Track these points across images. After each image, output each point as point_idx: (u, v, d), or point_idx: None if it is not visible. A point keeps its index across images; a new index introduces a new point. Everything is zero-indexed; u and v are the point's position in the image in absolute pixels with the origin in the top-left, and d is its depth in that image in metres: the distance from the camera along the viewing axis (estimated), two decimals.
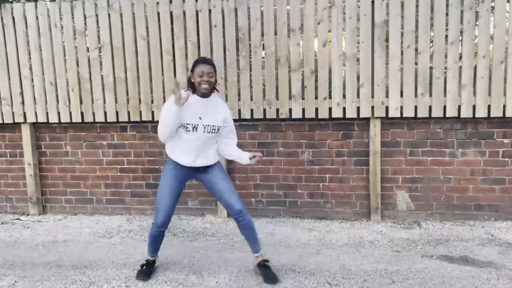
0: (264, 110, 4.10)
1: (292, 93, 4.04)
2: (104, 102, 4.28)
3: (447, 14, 3.78)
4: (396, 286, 2.73)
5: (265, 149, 4.25)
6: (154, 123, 4.33)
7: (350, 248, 3.42)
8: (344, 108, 4.00)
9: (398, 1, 3.80)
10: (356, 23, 3.91)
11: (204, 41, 4.06)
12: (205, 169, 2.88)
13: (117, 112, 4.28)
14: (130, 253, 3.44)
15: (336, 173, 4.21)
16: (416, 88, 3.91)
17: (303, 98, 4.04)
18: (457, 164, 4.04)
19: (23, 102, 4.41)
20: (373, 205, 4.11)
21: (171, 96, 2.63)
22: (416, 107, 3.91)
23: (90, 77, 4.27)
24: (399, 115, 3.94)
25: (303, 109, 4.04)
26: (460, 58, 3.83)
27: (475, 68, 3.81)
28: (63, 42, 4.26)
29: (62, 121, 4.37)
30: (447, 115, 3.88)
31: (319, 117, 4.05)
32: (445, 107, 3.87)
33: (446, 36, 3.80)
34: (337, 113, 4.00)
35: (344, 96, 3.99)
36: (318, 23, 3.93)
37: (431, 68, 3.87)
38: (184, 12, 4.08)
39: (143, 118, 4.25)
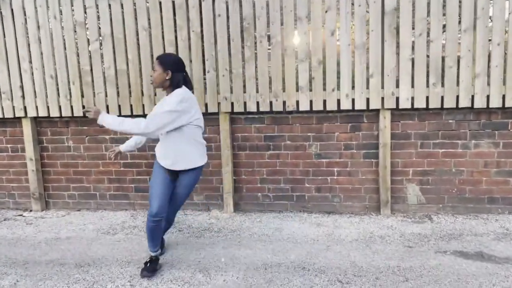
0: (271, 102, 3.98)
1: (299, 85, 3.91)
2: (106, 96, 4.18)
3: (460, 1, 3.63)
4: (410, 284, 2.63)
5: (271, 142, 4.14)
6: None
7: (360, 244, 3.32)
8: (353, 100, 3.87)
9: None
10: (366, 11, 3.77)
11: (208, 31, 3.94)
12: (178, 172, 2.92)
13: (119, 106, 4.17)
14: (135, 250, 3.35)
15: (345, 167, 4.10)
16: (427, 78, 3.77)
17: (310, 90, 3.92)
18: (470, 156, 3.92)
19: (23, 96, 4.31)
20: (383, 198, 4.00)
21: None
22: (427, 98, 3.78)
23: (91, 69, 4.16)
24: (409, 106, 3.81)
25: (311, 101, 3.92)
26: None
27: (489, 56, 3.66)
28: (63, 34, 4.14)
29: (63, 115, 4.28)
30: (460, 105, 3.74)
31: (327, 109, 3.93)
32: (457, 97, 3.74)
33: (459, 23, 3.65)
34: (345, 105, 3.87)
35: (353, 87, 3.86)
36: (326, 11, 3.79)
37: (443, 57, 3.73)
38: (186, 2, 3.95)
39: (146, 112, 4.14)
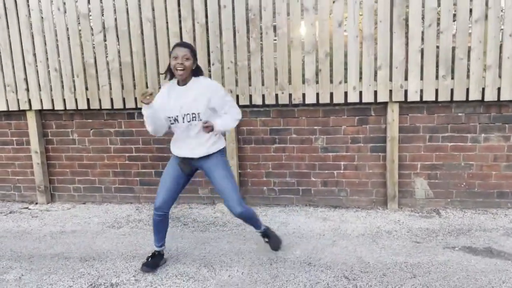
0: (276, 95, 3.92)
1: (306, 77, 3.85)
2: (110, 88, 4.14)
3: None
4: (417, 280, 2.59)
5: (277, 136, 4.09)
6: None
7: (367, 239, 3.28)
8: (360, 92, 3.80)
9: None
10: (374, 1, 3.68)
11: (213, 22, 3.88)
12: (203, 159, 2.74)
13: (123, 99, 4.14)
14: (140, 244, 3.34)
15: (352, 160, 4.05)
16: (437, 70, 3.69)
17: (317, 82, 3.85)
18: (479, 149, 3.85)
19: (27, 89, 4.29)
20: (390, 193, 3.94)
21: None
22: (437, 91, 3.70)
23: (95, 62, 4.12)
24: (418, 99, 3.74)
25: (317, 94, 3.86)
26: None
27: (500, 47, 3.57)
28: (67, 26, 4.10)
29: (67, 108, 4.25)
30: (470, 98, 3.66)
31: (334, 102, 3.86)
32: (467, 90, 3.66)
33: (470, 13, 3.56)
34: (353, 98, 3.81)
35: (360, 79, 3.79)
36: (333, 2, 3.71)
37: (453, 48, 3.64)
38: None
39: None
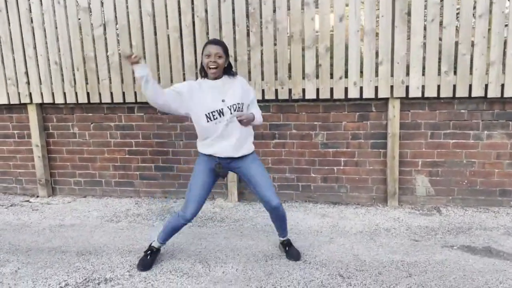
0: (276, 90, 3.88)
1: (306, 72, 3.80)
2: (110, 82, 4.13)
3: None
4: (413, 280, 2.55)
5: (277, 131, 4.06)
6: None
7: (364, 237, 3.25)
8: (361, 88, 3.75)
9: None
10: None
11: (212, 16, 3.84)
12: (242, 158, 2.67)
13: (123, 93, 4.13)
14: (137, 239, 3.34)
15: (352, 157, 4.01)
16: (439, 65, 3.62)
17: (317, 78, 3.81)
18: (482, 147, 3.79)
19: (28, 82, 4.29)
20: (390, 190, 3.90)
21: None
22: (439, 87, 3.64)
23: (95, 56, 4.11)
24: (420, 95, 3.68)
25: (317, 89, 3.82)
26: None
27: (505, 43, 3.49)
28: (67, 19, 4.08)
29: (68, 101, 4.25)
30: (473, 95, 3.60)
31: (334, 97, 3.82)
32: (470, 86, 3.59)
33: (474, 8, 3.48)
34: (353, 93, 3.76)
35: (361, 75, 3.73)
36: None
37: (456, 44, 3.57)
38: None
39: None
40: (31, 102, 4.34)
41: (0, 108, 4.55)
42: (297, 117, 4.01)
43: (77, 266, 2.87)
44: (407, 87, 3.68)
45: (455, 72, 3.61)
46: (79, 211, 4.07)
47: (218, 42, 2.57)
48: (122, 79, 4.11)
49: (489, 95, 3.57)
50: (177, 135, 4.24)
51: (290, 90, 3.87)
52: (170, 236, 2.83)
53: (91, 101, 4.22)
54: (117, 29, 4.03)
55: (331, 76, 3.79)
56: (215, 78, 2.59)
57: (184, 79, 3.95)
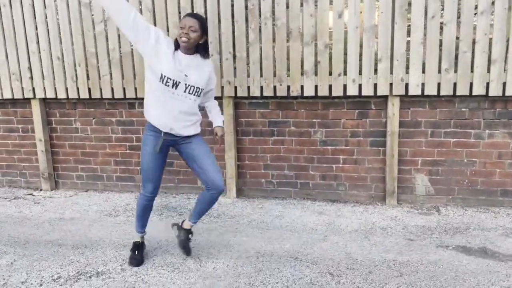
0: (275, 87, 3.87)
1: (304, 69, 3.78)
2: (111, 78, 4.17)
3: None
4: (403, 279, 2.53)
5: (275, 128, 4.05)
6: None
7: (359, 235, 3.23)
8: (360, 85, 3.72)
9: None
10: None
11: (211, 12, 3.84)
12: (185, 139, 2.67)
13: (124, 89, 4.16)
14: (133, 233, 3.29)
15: (351, 154, 3.98)
16: (440, 63, 3.57)
17: (316, 74, 3.78)
18: (483, 146, 3.72)
19: (31, 77, 4.35)
20: (389, 188, 3.87)
21: None
22: (439, 84, 3.59)
23: (96, 52, 4.14)
24: (419, 93, 3.63)
25: (316, 86, 3.79)
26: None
27: (507, 41, 3.42)
28: (69, 15, 4.12)
29: (70, 97, 4.30)
30: (474, 93, 3.54)
31: (333, 94, 3.79)
32: (471, 84, 3.53)
33: (476, 6, 3.42)
34: (352, 91, 3.73)
35: (360, 72, 3.70)
36: None
37: (457, 41, 3.51)
38: None
39: None
40: (34, 97, 4.41)
41: (5, 103, 4.62)
42: (296, 114, 4.00)
43: (72, 259, 2.91)
44: (407, 85, 3.63)
45: (455, 70, 3.55)
46: (80, 205, 4.13)
47: (196, 16, 2.53)
48: (123, 75, 4.13)
49: (490, 94, 3.51)
50: None
51: (288, 87, 3.85)
52: (144, 220, 2.82)
53: (93, 97, 4.26)
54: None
55: (330, 73, 3.76)
56: (186, 53, 2.55)
57: None
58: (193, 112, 2.64)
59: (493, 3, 3.38)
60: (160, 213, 3.82)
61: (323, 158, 4.03)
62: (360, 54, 3.68)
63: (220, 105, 3.94)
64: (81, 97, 4.28)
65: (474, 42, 3.48)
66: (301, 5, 3.70)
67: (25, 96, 4.41)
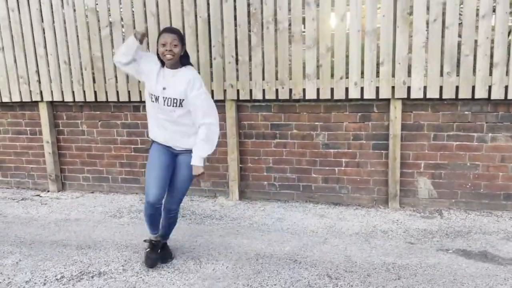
0: (277, 90, 3.90)
1: (306, 72, 3.81)
2: (116, 82, 4.23)
3: None
4: (401, 282, 2.54)
5: (278, 131, 4.08)
6: None
7: (360, 238, 3.24)
8: (362, 88, 3.73)
9: None
10: None
11: (214, 17, 3.88)
12: (177, 153, 2.74)
13: (129, 92, 4.22)
14: (136, 234, 3.42)
15: (353, 157, 3.99)
16: (442, 66, 3.57)
17: (318, 78, 3.81)
18: (486, 149, 3.71)
19: (39, 81, 4.44)
20: (391, 191, 3.87)
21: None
22: (441, 88, 3.58)
23: (102, 55, 4.22)
24: (421, 96, 3.63)
25: (318, 89, 3.82)
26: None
27: (509, 44, 3.41)
28: (75, 20, 4.21)
29: (76, 100, 4.38)
30: (476, 96, 3.53)
31: (335, 97, 3.81)
32: (473, 87, 3.52)
33: (477, 9, 3.41)
34: (354, 94, 3.74)
35: (362, 75, 3.71)
36: None
37: (459, 44, 3.51)
38: None
39: None
40: (42, 100, 4.49)
41: (13, 106, 4.72)
42: (298, 117, 4.02)
43: (75, 259, 2.97)
44: (409, 88, 3.64)
45: (458, 73, 3.54)
46: (85, 206, 4.20)
47: (174, 31, 2.62)
48: (128, 79, 4.20)
49: (492, 97, 3.50)
50: None
51: (290, 90, 3.88)
52: (153, 224, 2.79)
53: (98, 100, 4.33)
54: (123, 30, 4.12)
55: (332, 76, 3.78)
56: (172, 68, 2.62)
57: None
58: (182, 123, 2.65)
59: (494, 7, 3.38)
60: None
61: (326, 161, 4.05)
62: (362, 58, 3.69)
63: (223, 108, 4.01)
64: (87, 100, 4.36)
65: (476, 45, 3.47)
66: (303, 8, 3.73)
67: (33, 99, 4.50)
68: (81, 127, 4.59)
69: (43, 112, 4.54)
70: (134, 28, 4.07)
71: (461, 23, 3.47)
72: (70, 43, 4.26)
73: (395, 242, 3.15)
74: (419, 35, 3.55)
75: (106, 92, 4.28)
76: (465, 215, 3.68)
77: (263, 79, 3.91)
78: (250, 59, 3.92)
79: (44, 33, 4.31)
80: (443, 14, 3.50)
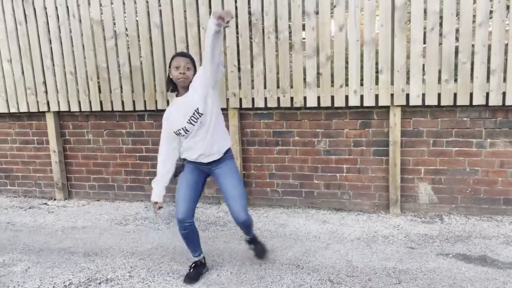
0: (278, 98, 3.98)
1: (307, 81, 3.89)
2: (121, 92, 4.33)
3: None
4: (402, 287, 2.59)
5: (280, 138, 4.15)
6: None
7: (361, 243, 3.29)
8: (361, 96, 3.80)
9: None
10: (376, 5, 3.67)
11: None
12: (215, 162, 2.70)
13: (133, 101, 4.32)
14: (142, 241, 3.49)
15: (354, 164, 4.05)
16: (439, 74, 3.64)
17: (318, 86, 3.89)
18: (485, 155, 3.77)
19: (46, 92, 4.54)
20: (392, 197, 3.93)
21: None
22: (439, 95, 3.65)
23: (107, 66, 4.32)
24: (420, 103, 3.70)
25: (318, 97, 3.89)
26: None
27: (505, 51, 3.48)
28: (81, 32, 4.31)
29: (82, 109, 4.48)
30: (474, 103, 3.60)
31: (335, 105, 3.88)
32: (471, 94, 3.59)
33: (474, 17, 3.49)
34: (354, 101, 3.82)
35: (362, 83, 3.79)
36: (334, 6, 3.73)
37: (456, 52, 3.58)
38: None
39: (159, 107, 4.26)
40: (48, 110, 4.59)
41: (21, 116, 4.82)
42: (299, 124, 4.10)
43: (83, 266, 3.04)
44: (408, 95, 3.71)
45: (455, 80, 3.61)
46: (92, 214, 4.27)
47: (187, 55, 2.65)
48: (133, 89, 4.29)
49: (490, 103, 3.56)
50: None
51: (292, 98, 3.96)
52: (191, 244, 2.78)
53: (104, 109, 4.43)
54: (127, 41, 4.22)
55: (332, 84, 3.85)
56: (183, 93, 2.61)
57: None
58: (216, 130, 2.64)
59: (491, 15, 3.45)
60: (168, 222, 3.94)
61: (327, 167, 4.11)
62: (361, 66, 3.77)
63: (226, 116, 4.09)
64: (93, 110, 4.46)
65: (473, 53, 3.54)
66: (303, 19, 3.82)
67: (40, 110, 4.61)
68: (87, 136, 4.69)
69: (50, 122, 4.64)
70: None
71: (458, 30, 3.54)
72: (76, 54, 4.36)
73: (396, 247, 3.20)
74: (417, 44, 3.62)
75: (112, 102, 4.38)
76: (465, 220, 3.73)
77: (265, 87, 3.99)
78: (252, 68, 4.00)
79: (50, 44, 4.42)
80: (440, 23, 3.57)
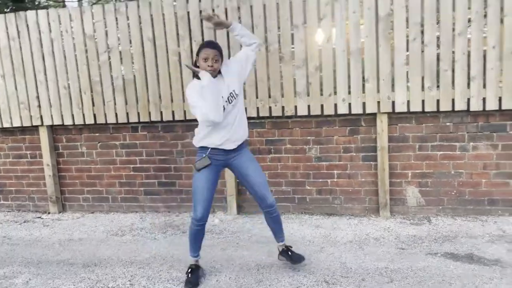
0: (270, 107, 4.11)
1: (297, 90, 4.03)
2: (115, 104, 4.41)
3: (454, 4, 3.65)
4: (393, 285, 2.72)
5: (272, 146, 4.27)
6: (163, 123, 4.44)
7: (354, 246, 3.41)
8: (349, 104, 3.96)
9: None
10: (360, 17, 3.84)
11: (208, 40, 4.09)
12: (235, 151, 2.79)
13: (127, 113, 4.40)
14: (139, 251, 3.55)
15: (344, 169, 4.19)
16: (423, 81, 3.82)
17: (308, 95, 4.03)
18: (468, 158, 3.94)
19: (39, 106, 4.59)
20: (382, 201, 4.07)
21: (203, 77, 2.58)
22: (423, 101, 3.83)
23: (100, 80, 4.39)
24: (406, 110, 3.86)
25: (309, 106, 4.03)
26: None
27: (484, 59, 3.67)
28: (74, 47, 4.39)
29: (76, 123, 4.54)
30: (456, 108, 3.77)
31: (325, 113, 4.03)
32: (453, 100, 3.77)
33: (454, 27, 3.68)
34: (342, 109, 3.97)
35: (349, 92, 3.94)
36: (321, 19, 3.89)
37: (438, 60, 3.77)
38: (188, 13, 4.13)
39: (152, 119, 4.35)
40: (42, 124, 4.64)
41: (14, 131, 4.85)
42: (291, 132, 4.22)
43: (83, 276, 3.10)
44: (393, 103, 3.87)
45: (438, 87, 3.79)
46: (87, 226, 4.31)
47: (215, 46, 2.68)
48: (126, 101, 4.38)
49: (471, 109, 3.74)
50: (179, 152, 4.48)
51: (283, 107, 4.09)
52: (195, 244, 2.91)
53: (98, 122, 4.49)
54: (120, 55, 4.32)
55: (321, 93, 4.00)
56: (214, 76, 2.65)
57: (183, 98, 4.20)
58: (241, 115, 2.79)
59: (469, 23, 3.65)
60: (164, 231, 4.01)
61: (319, 173, 4.24)
62: (349, 75, 3.92)
63: None
64: (86, 123, 4.52)
65: (453, 61, 3.73)
66: (292, 31, 3.96)
67: (33, 124, 4.65)
68: (80, 149, 4.74)
69: (43, 136, 4.68)
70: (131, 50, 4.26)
71: (439, 41, 3.73)
72: (69, 68, 4.43)
73: (387, 248, 3.33)
74: (400, 53, 3.80)
75: (105, 114, 4.45)
76: (452, 221, 3.88)
77: (257, 97, 4.11)
78: None
79: (44, 59, 4.48)
80: (422, 33, 3.76)
